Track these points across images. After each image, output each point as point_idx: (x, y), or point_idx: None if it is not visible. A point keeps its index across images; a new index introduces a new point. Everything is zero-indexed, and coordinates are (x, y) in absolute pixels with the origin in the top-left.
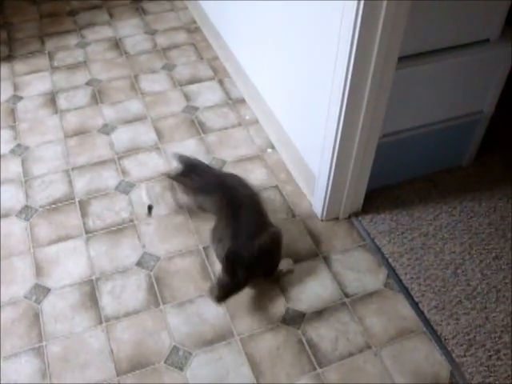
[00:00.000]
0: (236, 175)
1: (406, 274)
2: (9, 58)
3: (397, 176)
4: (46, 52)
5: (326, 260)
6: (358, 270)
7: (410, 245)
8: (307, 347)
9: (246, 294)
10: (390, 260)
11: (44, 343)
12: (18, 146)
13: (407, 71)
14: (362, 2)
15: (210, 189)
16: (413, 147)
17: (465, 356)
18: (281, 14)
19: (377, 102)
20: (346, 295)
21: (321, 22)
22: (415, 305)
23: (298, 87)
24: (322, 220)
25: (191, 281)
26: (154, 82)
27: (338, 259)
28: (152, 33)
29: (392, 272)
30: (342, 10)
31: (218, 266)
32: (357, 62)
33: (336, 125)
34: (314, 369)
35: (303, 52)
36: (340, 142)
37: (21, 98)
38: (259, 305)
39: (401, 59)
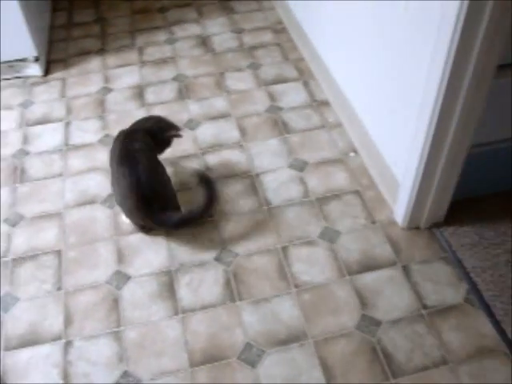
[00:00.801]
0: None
1: (488, 290)
2: (101, 51)
3: (484, 188)
4: (136, 47)
5: (405, 269)
6: (437, 282)
7: (493, 260)
8: (381, 356)
9: (322, 298)
10: (472, 275)
11: (122, 328)
12: (106, 136)
13: (506, 81)
14: (465, 3)
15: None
16: (504, 159)
17: None
18: (372, 16)
19: (471, 111)
20: (424, 307)
21: (416, 23)
22: (497, 323)
23: (386, 92)
24: (402, 228)
25: (268, 279)
26: (239, 81)
27: (418, 269)
28: (239, 32)
29: (473, 287)
30: (442, 13)
31: (295, 267)
32: (453, 69)
33: (425, 133)
34: (387, 379)
35: (395, 56)
36: (429, 150)
37: (111, 90)
38: (335, 309)
39: (500, 67)
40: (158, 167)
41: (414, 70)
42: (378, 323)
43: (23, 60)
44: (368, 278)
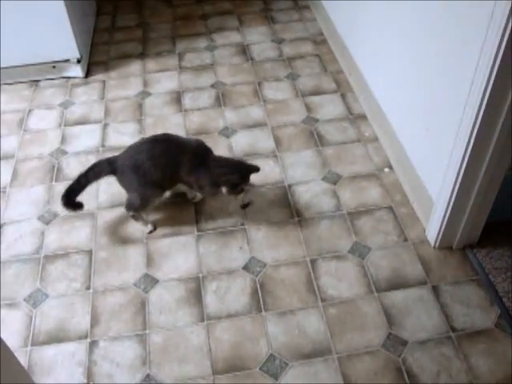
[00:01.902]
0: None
1: None
2: (142, 55)
3: None
4: (177, 52)
5: (435, 290)
6: (467, 304)
7: None
8: (406, 377)
9: (348, 314)
10: (505, 299)
11: (147, 331)
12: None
13: None
14: None
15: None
16: None
17: None
18: (415, 32)
19: (510, 131)
20: (453, 329)
21: (459, 41)
22: None
23: (424, 108)
24: (434, 247)
25: (295, 292)
26: (277, 90)
27: (448, 290)
28: (279, 41)
29: (505, 312)
30: (486, 29)
31: (323, 281)
32: (495, 87)
33: (463, 152)
34: None
35: (435, 73)
36: (465, 170)
37: (149, 94)
38: (361, 326)
39: None
40: None
41: (455, 87)
42: (404, 343)
43: (66, 61)
44: (397, 296)
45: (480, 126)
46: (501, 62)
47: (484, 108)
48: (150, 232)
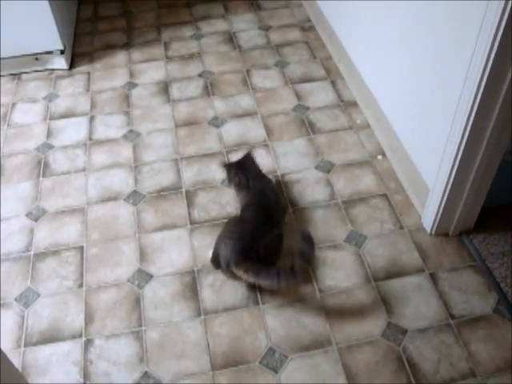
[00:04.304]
0: (271, 181)
1: None
2: (127, 45)
3: None
4: (162, 42)
5: (433, 277)
6: (465, 291)
7: None
8: (407, 366)
9: (346, 304)
10: (502, 285)
11: (143, 328)
12: (131, 131)
13: None
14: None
15: (245, 185)
16: None
17: None
18: (407, 14)
19: (509, 114)
20: (452, 316)
21: (455, 21)
22: None
23: (418, 93)
24: (430, 234)
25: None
26: (266, 78)
27: (445, 278)
28: (266, 29)
29: (503, 298)
30: (485, 7)
31: (320, 271)
32: (493, 70)
33: (460, 138)
34: None
35: (430, 57)
36: (462, 156)
37: (136, 85)
38: (360, 316)
39: None
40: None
41: (451, 71)
42: (403, 332)
43: (49, 53)
44: (394, 285)
45: (477, 110)
46: (499, 44)
47: (482, 92)
48: None
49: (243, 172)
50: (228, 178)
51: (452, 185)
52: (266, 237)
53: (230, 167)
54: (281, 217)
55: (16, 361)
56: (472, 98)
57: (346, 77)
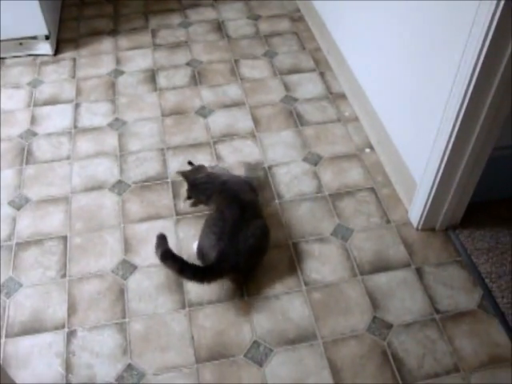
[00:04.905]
0: (239, 177)
1: (503, 297)
2: (113, 32)
3: (502, 192)
4: (150, 29)
5: (418, 271)
6: (451, 286)
7: (509, 266)
8: (392, 360)
9: (332, 297)
10: (487, 280)
11: (127, 320)
12: (116, 120)
13: None
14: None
15: (210, 188)
16: None
17: None
18: (397, 8)
19: (499, 110)
20: (437, 311)
21: (447, 14)
22: (511, 332)
23: (407, 87)
24: (417, 229)
25: (278, 275)
26: (254, 69)
27: (431, 272)
28: (255, 18)
29: (488, 293)
30: (476, 7)
31: (306, 264)
32: (485, 65)
33: (449, 133)
34: None
35: (421, 51)
36: (450, 151)
37: (122, 73)
38: (346, 310)
39: None
40: None
41: (441, 66)
42: (389, 326)
43: (33, 38)
44: (380, 279)
45: (467, 106)
46: (490, 41)
47: (472, 88)
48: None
49: (198, 188)
50: (188, 196)
51: (440, 180)
52: (244, 232)
53: (188, 186)
54: (255, 206)
55: None
56: (462, 94)
57: (334, 69)
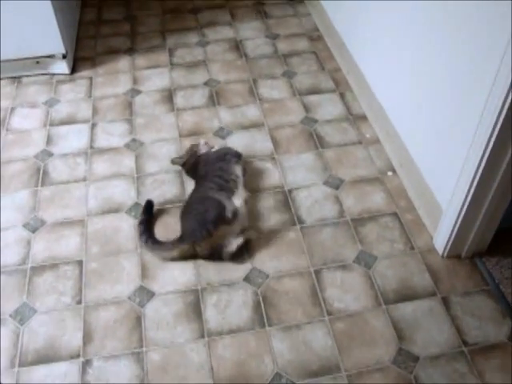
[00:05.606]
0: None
1: None
2: (130, 50)
3: None
4: (167, 48)
5: (445, 301)
6: (479, 316)
7: None
8: None
9: (356, 328)
10: None
11: (144, 349)
12: (133, 140)
13: None
14: None
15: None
16: None
17: None
18: (421, 25)
19: None
20: (465, 343)
21: (478, 34)
22: None
23: (433, 110)
24: (442, 256)
25: (300, 305)
26: (273, 89)
27: (458, 302)
28: (273, 37)
29: None
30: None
31: (328, 293)
32: None
33: (479, 158)
34: None
35: (448, 71)
36: (480, 177)
37: (139, 92)
38: (370, 341)
39: None
40: None
41: (472, 86)
42: (415, 359)
43: (50, 57)
44: (405, 309)
45: (499, 130)
46: None
47: (505, 111)
48: None
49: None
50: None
51: (468, 206)
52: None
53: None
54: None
55: (10, 382)
56: (494, 118)
57: (355, 89)
